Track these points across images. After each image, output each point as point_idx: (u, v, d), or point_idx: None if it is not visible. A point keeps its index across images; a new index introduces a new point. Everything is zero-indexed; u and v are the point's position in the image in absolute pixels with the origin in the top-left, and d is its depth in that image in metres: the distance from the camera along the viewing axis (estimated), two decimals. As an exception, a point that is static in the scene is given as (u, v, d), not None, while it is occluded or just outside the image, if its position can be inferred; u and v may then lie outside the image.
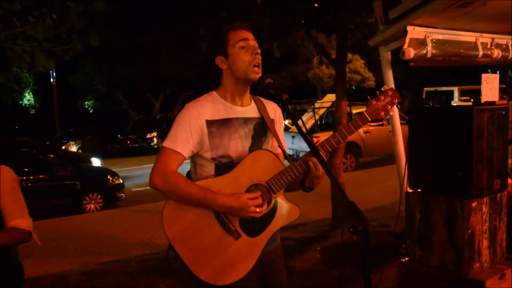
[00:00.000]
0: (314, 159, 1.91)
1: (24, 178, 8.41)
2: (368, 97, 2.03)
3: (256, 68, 1.94)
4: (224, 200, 1.85)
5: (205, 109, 1.94)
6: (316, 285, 4.23)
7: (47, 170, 8.62)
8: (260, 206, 1.88)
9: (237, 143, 1.97)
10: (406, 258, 3.45)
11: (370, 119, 2.00)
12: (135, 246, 5.97)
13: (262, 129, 2.06)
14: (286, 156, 2.11)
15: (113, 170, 9.76)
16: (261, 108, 2.07)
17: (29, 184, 8.39)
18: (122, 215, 8.12)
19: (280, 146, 2.09)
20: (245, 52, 1.94)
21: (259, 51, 1.96)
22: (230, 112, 1.98)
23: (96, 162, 11.57)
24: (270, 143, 2.11)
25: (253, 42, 1.96)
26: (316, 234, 5.90)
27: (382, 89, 2.07)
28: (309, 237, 5.78)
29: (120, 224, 7.35)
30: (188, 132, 1.90)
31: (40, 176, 8.53)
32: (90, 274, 4.97)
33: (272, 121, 2.11)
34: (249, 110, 2.04)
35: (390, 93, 2.03)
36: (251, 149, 2.00)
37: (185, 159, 1.93)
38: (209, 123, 1.93)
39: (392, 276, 3.59)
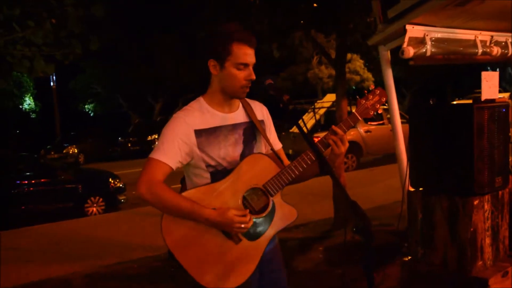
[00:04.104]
0: (334, 137, 1.94)
1: (26, 182, 8.43)
2: (357, 97, 2.09)
3: (245, 89, 1.94)
4: (210, 214, 1.83)
5: (192, 118, 1.93)
6: (319, 285, 4.23)
7: (49, 174, 8.61)
8: (247, 223, 1.86)
9: (228, 151, 1.96)
10: (409, 257, 3.45)
11: (360, 118, 2.04)
12: (137, 248, 5.97)
13: (251, 133, 2.05)
14: (277, 155, 2.10)
15: (115, 173, 9.75)
16: (249, 111, 2.06)
17: (31, 189, 8.39)
18: (124, 218, 8.11)
19: (272, 148, 2.08)
20: (240, 73, 1.90)
21: (253, 77, 1.93)
22: (218, 120, 1.97)
23: None
24: (263, 145, 2.10)
25: (251, 67, 1.92)
26: (318, 234, 5.89)
27: (369, 88, 2.11)
28: (311, 237, 5.77)
29: (122, 227, 7.34)
30: (176, 143, 1.89)
31: (42, 180, 8.52)
32: (93, 277, 4.97)
33: (261, 122, 2.10)
34: (237, 115, 2.03)
35: (378, 92, 2.07)
36: (242, 155, 1.99)
37: (172, 170, 1.91)
38: (198, 132, 1.92)
39: (394, 275, 3.59)
